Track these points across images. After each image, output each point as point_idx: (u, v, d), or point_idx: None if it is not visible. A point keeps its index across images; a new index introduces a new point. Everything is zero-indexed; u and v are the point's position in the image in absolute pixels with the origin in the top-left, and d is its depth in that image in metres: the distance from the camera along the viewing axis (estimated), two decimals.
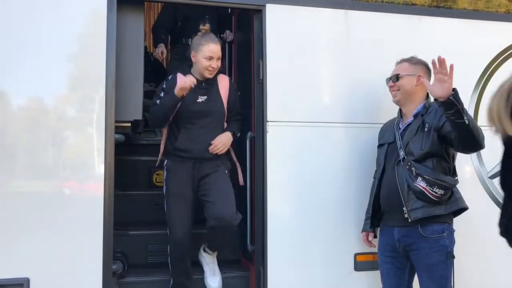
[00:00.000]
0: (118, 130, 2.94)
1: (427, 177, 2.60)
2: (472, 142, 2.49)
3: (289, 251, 3.04)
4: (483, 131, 2.45)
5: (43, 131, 2.79)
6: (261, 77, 3.11)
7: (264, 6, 3.08)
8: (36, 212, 2.71)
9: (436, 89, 2.41)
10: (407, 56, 2.93)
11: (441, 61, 2.40)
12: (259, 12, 3.11)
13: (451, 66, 2.38)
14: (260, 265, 3.06)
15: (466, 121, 2.37)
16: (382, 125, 3.07)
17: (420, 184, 2.61)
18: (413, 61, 2.85)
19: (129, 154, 4.04)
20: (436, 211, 2.62)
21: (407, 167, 2.67)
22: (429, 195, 2.59)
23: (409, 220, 2.63)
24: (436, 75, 2.41)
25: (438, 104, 2.45)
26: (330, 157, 3.14)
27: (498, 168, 3.35)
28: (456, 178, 2.72)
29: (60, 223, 2.73)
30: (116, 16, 2.85)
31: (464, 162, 3.30)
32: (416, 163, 2.65)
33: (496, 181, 3.38)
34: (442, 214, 2.64)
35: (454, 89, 2.38)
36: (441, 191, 2.60)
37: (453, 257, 2.68)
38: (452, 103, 2.36)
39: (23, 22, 2.76)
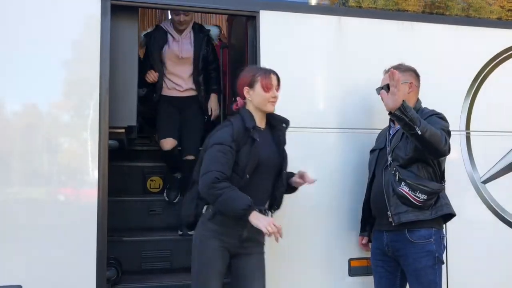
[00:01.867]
0: (112, 136, 2.93)
1: (410, 182, 2.63)
2: (432, 150, 2.57)
3: (284, 257, 3.03)
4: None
5: (37, 137, 2.78)
6: None
7: (258, 12, 3.10)
8: (29, 218, 2.69)
9: (388, 102, 2.51)
10: (397, 62, 2.94)
11: (392, 73, 2.47)
12: (253, 19, 3.12)
13: (397, 79, 2.46)
14: None
15: (419, 132, 2.45)
16: (376, 130, 3.10)
17: (403, 189, 2.64)
18: (402, 68, 2.88)
19: (123, 160, 4.03)
20: (420, 216, 2.64)
21: (393, 172, 2.70)
22: (412, 200, 2.62)
23: (393, 224, 2.66)
24: (390, 88, 2.50)
25: (390, 117, 2.57)
26: (324, 163, 3.15)
27: (491, 173, 3.40)
28: (443, 183, 2.74)
29: (53, 229, 2.71)
30: (110, 22, 2.85)
31: (457, 167, 3.32)
32: (400, 168, 2.68)
33: (490, 185, 3.40)
34: (427, 219, 2.65)
35: (403, 102, 2.46)
36: (424, 196, 2.62)
37: (442, 262, 2.69)
38: (400, 116, 2.45)
39: (17, 27, 2.75)
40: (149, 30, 3.92)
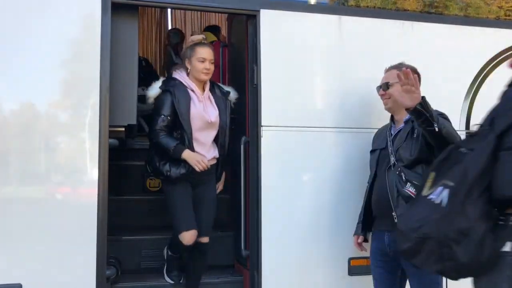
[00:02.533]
0: (112, 134, 2.93)
1: (416, 183, 2.62)
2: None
3: (283, 256, 3.04)
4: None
5: (36, 136, 2.77)
6: (255, 82, 3.11)
7: (258, 11, 3.10)
8: (29, 217, 2.69)
9: (405, 100, 2.47)
10: (396, 62, 2.94)
11: (406, 72, 2.46)
12: (253, 17, 3.12)
13: (415, 77, 2.44)
14: (254, 270, 3.05)
15: (436, 129, 2.42)
16: (376, 130, 3.09)
17: (409, 189, 2.63)
18: (402, 67, 2.87)
19: (123, 159, 4.02)
20: None
21: (397, 172, 2.69)
22: None
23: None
24: (404, 87, 2.46)
25: (409, 114, 2.53)
26: (324, 162, 3.15)
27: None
28: None
29: (53, 228, 2.71)
30: (111, 20, 2.84)
31: None
32: (405, 169, 2.67)
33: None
34: None
35: (422, 98, 2.44)
36: None
37: None
38: (420, 112, 2.42)
39: (16, 25, 2.74)
40: (161, 80, 3.17)
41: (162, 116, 3.01)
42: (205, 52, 3.11)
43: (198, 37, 3.19)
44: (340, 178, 3.16)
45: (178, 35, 5.78)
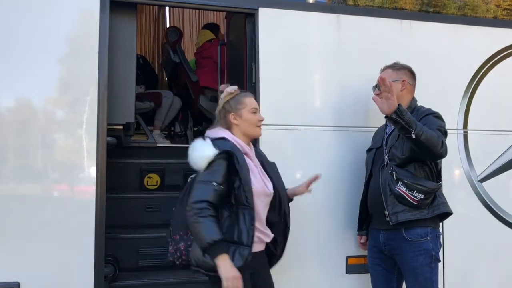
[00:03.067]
0: (110, 132, 2.92)
1: (407, 182, 2.64)
2: (428, 153, 2.58)
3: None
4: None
5: (34, 134, 2.76)
6: (253, 81, 3.11)
7: (257, 9, 3.10)
8: (27, 215, 2.68)
9: (383, 107, 2.54)
10: (395, 60, 2.95)
11: (382, 79, 2.50)
12: (252, 16, 3.12)
13: (390, 84, 2.51)
14: None
15: (413, 136, 2.47)
16: (372, 128, 3.10)
17: (400, 188, 2.65)
18: (396, 67, 2.89)
19: (121, 157, 4.02)
20: (417, 215, 2.65)
21: (389, 171, 2.71)
22: (409, 199, 2.63)
23: (390, 224, 2.67)
24: (383, 93, 2.52)
25: (387, 120, 2.60)
26: (323, 160, 3.15)
27: (488, 172, 3.42)
28: (439, 183, 2.75)
29: (51, 226, 2.70)
30: (109, 18, 2.84)
31: (454, 166, 3.34)
32: (397, 168, 2.69)
33: (487, 184, 3.42)
34: (424, 218, 2.66)
35: (399, 105, 2.50)
36: (421, 196, 2.63)
37: (438, 260, 2.71)
38: (396, 120, 2.49)
39: (14, 23, 2.73)
40: (219, 148, 2.34)
41: (214, 184, 2.27)
42: (254, 102, 2.55)
43: (233, 87, 2.57)
44: (337, 176, 3.16)
45: (176, 33, 5.76)
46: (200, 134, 4.32)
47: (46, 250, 2.68)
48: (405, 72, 2.88)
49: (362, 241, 3.03)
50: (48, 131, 2.78)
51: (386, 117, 2.58)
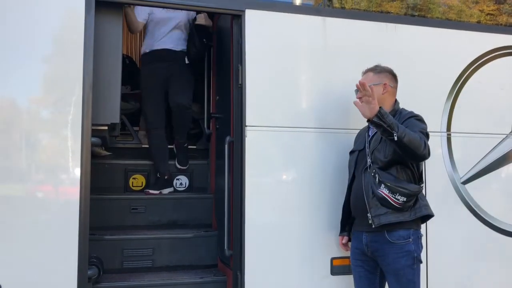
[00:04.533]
0: (94, 133, 2.90)
1: (389, 185, 2.66)
2: (411, 155, 2.61)
3: (267, 256, 3.05)
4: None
5: (18, 134, 2.73)
6: (240, 82, 3.11)
7: (244, 11, 3.10)
8: (9, 216, 2.65)
9: (364, 110, 2.58)
10: (381, 63, 2.98)
11: (362, 84, 2.54)
12: (239, 17, 3.12)
13: (371, 88, 2.55)
14: (237, 270, 3.05)
15: (395, 138, 2.51)
16: (357, 130, 3.12)
17: (383, 191, 2.67)
18: (377, 70, 2.91)
19: (106, 157, 3.99)
20: (400, 217, 2.67)
21: (372, 174, 2.73)
22: (392, 202, 2.65)
23: (373, 226, 2.69)
24: (363, 98, 2.56)
25: (369, 124, 2.62)
26: (308, 162, 3.16)
27: (471, 174, 3.47)
28: (421, 185, 2.78)
29: (34, 227, 2.67)
30: (94, 17, 2.81)
31: (437, 168, 3.38)
32: (380, 171, 2.71)
33: (469, 186, 3.47)
34: (407, 220, 2.69)
35: (380, 109, 2.53)
36: (403, 198, 2.65)
37: (421, 262, 2.73)
38: (378, 123, 2.52)
39: None
40: None
41: None
42: None
43: None
44: (322, 178, 3.18)
45: None
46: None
47: (28, 251, 2.64)
48: (386, 75, 2.90)
49: (343, 241, 3.05)
50: (32, 131, 2.75)
51: (368, 120, 2.61)
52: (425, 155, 2.61)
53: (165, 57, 4.08)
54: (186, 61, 4.11)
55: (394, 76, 2.93)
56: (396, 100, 2.91)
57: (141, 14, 4.06)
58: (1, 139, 2.70)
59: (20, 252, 2.64)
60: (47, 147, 2.79)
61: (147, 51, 4.17)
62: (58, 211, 2.72)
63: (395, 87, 2.92)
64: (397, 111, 2.84)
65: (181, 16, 4.15)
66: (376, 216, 2.68)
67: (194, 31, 4.03)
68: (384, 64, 2.96)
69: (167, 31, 4.10)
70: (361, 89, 2.55)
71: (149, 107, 4.10)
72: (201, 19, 3.99)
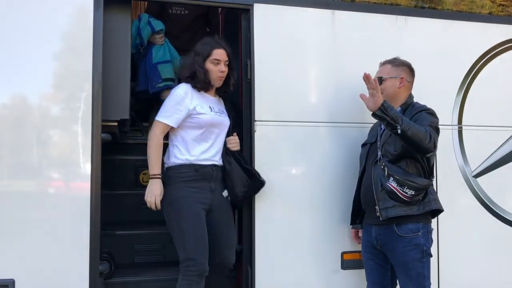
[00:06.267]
0: (104, 129, 2.91)
1: (398, 178, 2.65)
2: (415, 148, 2.61)
3: (277, 250, 3.05)
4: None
5: (29, 130, 2.75)
6: (248, 77, 3.11)
7: (252, 5, 3.09)
8: (21, 212, 2.68)
9: (368, 103, 2.60)
10: (391, 56, 2.96)
11: (366, 76, 2.53)
12: (247, 12, 3.11)
13: (375, 80, 2.55)
14: (248, 265, 3.06)
15: (399, 131, 2.52)
16: (368, 124, 3.11)
17: (391, 184, 2.66)
18: (395, 62, 2.90)
19: (116, 153, 4.00)
20: (408, 211, 2.66)
21: (382, 167, 2.72)
22: (400, 195, 2.64)
23: (380, 219, 2.68)
24: (368, 90, 2.58)
25: (373, 117, 2.63)
26: (318, 157, 3.16)
27: (482, 167, 3.44)
28: (431, 179, 2.76)
29: (46, 223, 2.70)
30: (103, 14, 2.82)
31: (449, 161, 3.35)
32: (389, 164, 2.71)
33: (481, 179, 3.43)
34: (415, 214, 2.68)
35: (384, 101, 2.54)
36: (411, 192, 2.64)
37: (430, 255, 2.72)
38: (382, 116, 2.53)
39: (8, 19, 2.72)
40: None
41: None
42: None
43: None
44: (332, 172, 3.17)
45: None
46: None
47: (41, 247, 2.67)
48: (404, 69, 2.88)
49: (360, 234, 3.04)
50: (42, 127, 2.77)
51: (372, 114, 2.60)
52: (430, 148, 2.59)
53: None
54: None
55: (412, 71, 2.91)
56: (410, 94, 2.89)
57: None
58: (12, 136, 2.73)
59: (32, 247, 2.66)
60: (58, 143, 2.81)
61: None
62: (69, 207, 2.74)
63: (412, 82, 2.90)
64: (409, 104, 2.82)
65: None
66: (384, 209, 2.67)
67: None
68: (399, 57, 2.94)
69: None
70: (366, 82, 2.54)
71: None
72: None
